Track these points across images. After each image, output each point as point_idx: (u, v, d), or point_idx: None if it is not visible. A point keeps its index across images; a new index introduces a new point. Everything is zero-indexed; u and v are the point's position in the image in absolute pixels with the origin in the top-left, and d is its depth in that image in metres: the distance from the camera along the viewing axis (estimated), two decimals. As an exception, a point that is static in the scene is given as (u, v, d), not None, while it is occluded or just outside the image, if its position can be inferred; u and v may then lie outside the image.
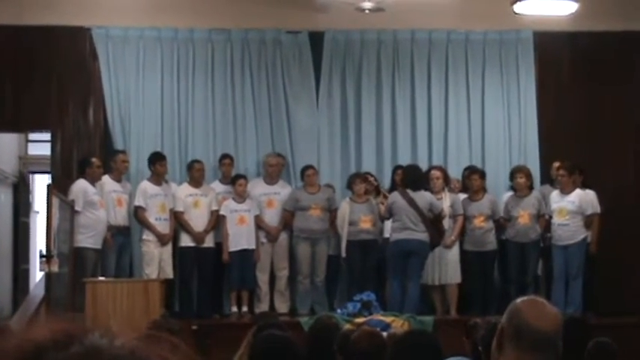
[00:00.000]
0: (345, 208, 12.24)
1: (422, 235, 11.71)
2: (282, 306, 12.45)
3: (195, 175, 12.33)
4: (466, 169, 12.86)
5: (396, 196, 11.88)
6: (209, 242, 12.27)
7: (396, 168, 12.73)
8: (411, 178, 11.97)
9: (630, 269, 12.82)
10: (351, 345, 6.53)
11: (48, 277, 10.96)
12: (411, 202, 11.70)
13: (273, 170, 12.64)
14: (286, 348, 5.01)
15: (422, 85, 13.37)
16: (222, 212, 12.22)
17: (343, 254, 12.24)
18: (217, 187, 12.55)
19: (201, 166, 12.38)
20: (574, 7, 12.49)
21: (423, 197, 11.78)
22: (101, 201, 11.85)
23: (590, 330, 6.37)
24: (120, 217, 12.15)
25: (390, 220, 11.91)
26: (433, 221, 11.81)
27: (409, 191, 11.79)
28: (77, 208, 11.61)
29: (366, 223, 12.15)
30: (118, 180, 12.26)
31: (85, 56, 12.90)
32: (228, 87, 13.11)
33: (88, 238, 11.67)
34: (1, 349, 1.01)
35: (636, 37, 13.28)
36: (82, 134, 12.87)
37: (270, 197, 12.57)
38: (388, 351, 5.90)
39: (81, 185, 11.76)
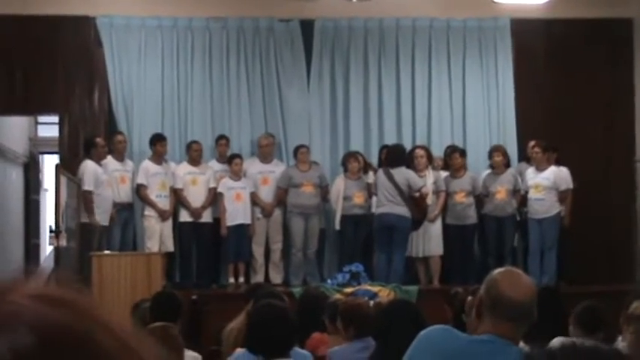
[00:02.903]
0: (339, 184, 12.22)
1: (400, 209, 11.67)
2: (276, 277, 12.42)
3: (193, 154, 12.29)
4: (448, 147, 12.82)
5: (379, 174, 11.88)
6: (207, 217, 12.23)
7: (383, 147, 12.69)
8: (392, 156, 11.97)
9: (597, 241, 12.84)
10: (340, 314, 6.52)
11: (57, 250, 10.92)
12: (390, 178, 11.69)
13: (265, 150, 12.58)
14: (282, 316, 4.98)
15: (406, 70, 13.32)
16: (219, 190, 12.17)
17: (337, 227, 12.22)
18: (214, 165, 12.50)
19: (199, 147, 12.34)
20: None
21: (401, 174, 11.74)
22: (108, 180, 11.81)
23: (562, 297, 6.33)
24: (123, 194, 12.09)
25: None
26: (413, 198, 11.78)
27: (389, 168, 11.79)
28: (89, 188, 11.52)
29: (359, 199, 12.14)
30: (121, 159, 12.20)
31: (89, 44, 12.82)
32: (224, 72, 13.04)
33: (96, 215, 11.62)
34: None
35: (605, 24, 13.25)
36: (88, 117, 12.81)
37: (265, 175, 12.53)
38: (374, 318, 5.89)
39: (90, 166, 11.68)
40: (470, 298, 5.98)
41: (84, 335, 0.86)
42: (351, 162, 12.24)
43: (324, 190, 12.40)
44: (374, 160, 12.79)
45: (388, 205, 11.66)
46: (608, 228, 12.97)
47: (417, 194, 11.79)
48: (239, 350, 5.48)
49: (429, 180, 12.11)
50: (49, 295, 0.89)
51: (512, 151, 12.88)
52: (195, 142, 12.40)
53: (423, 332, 3.61)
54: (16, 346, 0.84)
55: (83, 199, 11.48)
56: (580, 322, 5.79)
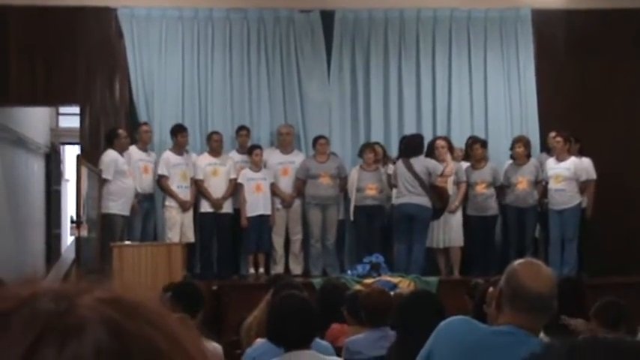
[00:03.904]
0: (354, 175, 12.22)
1: (421, 199, 11.62)
2: (296, 268, 12.44)
3: (214, 145, 12.31)
4: (469, 138, 12.78)
5: (398, 164, 11.87)
6: (227, 208, 12.25)
7: (403, 139, 12.66)
8: (411, 145, 11.94)
9: (618, 232, 12.78)
10: (360, 302, 6.51)
11: (78, 241, 10.96)
12: (409, 168, 11.67)
13: (285, 139, 12.59)
14: (304, 308, 4.98)
15: (427, 61, 13.28)
16: (239, 180, 12.20)
17: (351, 218, 12.23)
18: (235, 156, 12.52)
19: (219, 137, 12.36)
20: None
21: (419, 162, 11.70)
22: (130, 170, 11.84)
23: (583, 289, 6.33)
24: (146, 184, 12.13)
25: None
26: (434, 187, 11.74)
27: (408, 158, 11.76)
28: (108, 177, 11.56)
29: (371, 190, 12.11)
30: (144, 150, 12.24)
31: (111, 35, 12.85)
32: (244, 63, 13.05)
33: (118, 205, 11.65)
34: None
35: (626, 15, 13.17)
36: (109, 108, 12.85)
37: (285, 166, 12.54)
38: (394, 309, 5.89)
39: (112, 155, 11.71)
40: (491, 289, 5.97)
41: (150, 342, 0.90)
42: (367, 153, 12.22)
43: (342, 181, 12.40)
44: (394, 152, 12.77)
45: (408, 195, 11.62)
46: (629, 219, 12.90)
47: (440, 179, 11.74)
48: (259, 340, 5.50)
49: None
50: (118, 300, 0.92)
51: (534, 141, 12.82)
52: (215, 132, 12.42)
53: (442, 323, 3.61)
54: (101, 349, 0.87)
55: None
56: (601, 318, 5.78)
